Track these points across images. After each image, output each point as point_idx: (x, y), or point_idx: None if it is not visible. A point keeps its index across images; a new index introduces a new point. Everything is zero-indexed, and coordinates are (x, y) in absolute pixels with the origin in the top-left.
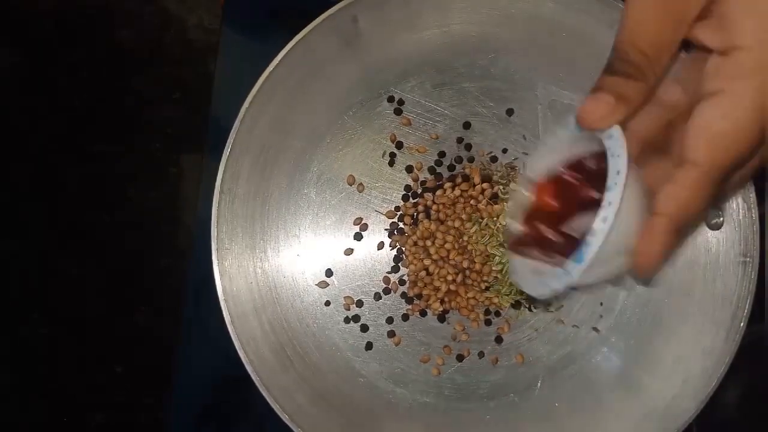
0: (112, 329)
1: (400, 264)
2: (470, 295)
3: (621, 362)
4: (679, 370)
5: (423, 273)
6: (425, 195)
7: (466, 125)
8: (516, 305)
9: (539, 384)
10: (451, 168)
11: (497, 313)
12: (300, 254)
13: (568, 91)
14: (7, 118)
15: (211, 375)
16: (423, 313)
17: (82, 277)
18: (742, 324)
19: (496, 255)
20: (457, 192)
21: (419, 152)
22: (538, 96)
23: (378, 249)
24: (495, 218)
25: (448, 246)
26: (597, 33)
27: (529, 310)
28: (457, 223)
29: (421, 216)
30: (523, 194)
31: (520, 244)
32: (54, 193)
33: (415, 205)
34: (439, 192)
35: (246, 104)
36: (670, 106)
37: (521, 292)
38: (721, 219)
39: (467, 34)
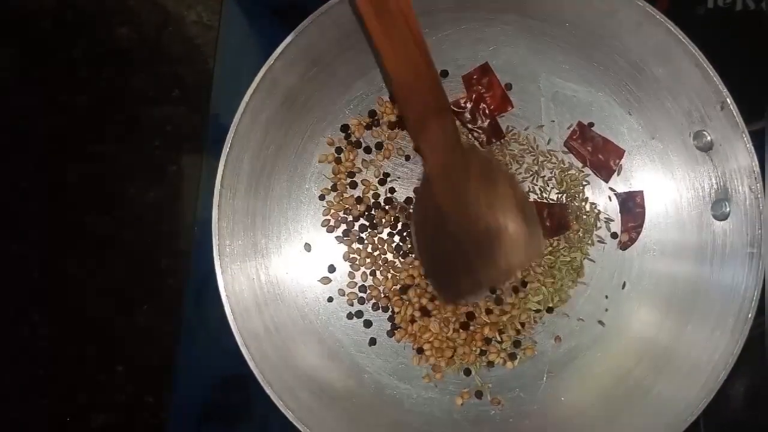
0: (112, 329)
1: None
2: None
3: (627, 356)
4: (685, 364)
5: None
6: None
7: None
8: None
9: (545, 378)
10: None
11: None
12: (302, 250)
13: (571, 83)
14: (6, 118)
15: (213, 374)
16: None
17: (82, 277)
18: (750, 315)
19: None
20: None
21: None
22: (541, 87)
23: None
24: None
25: None
26: (600, 23)
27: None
28: None
29: None
30: None
31: None
32: (54, 193)
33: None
34: None
35: (245, 100)
36: None
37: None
38: (728, 209)
39: (468, 26)
